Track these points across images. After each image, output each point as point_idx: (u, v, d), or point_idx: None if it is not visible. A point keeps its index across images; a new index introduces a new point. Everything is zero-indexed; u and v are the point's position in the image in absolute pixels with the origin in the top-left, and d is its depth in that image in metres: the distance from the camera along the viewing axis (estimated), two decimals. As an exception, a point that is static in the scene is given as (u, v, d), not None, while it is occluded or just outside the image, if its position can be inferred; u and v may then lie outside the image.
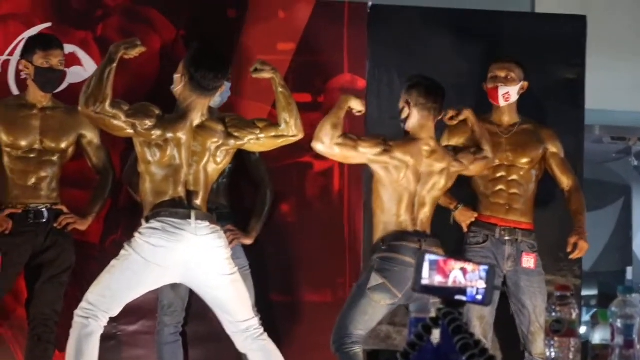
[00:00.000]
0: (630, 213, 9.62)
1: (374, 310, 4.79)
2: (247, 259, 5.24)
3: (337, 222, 5.63)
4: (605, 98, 6.33)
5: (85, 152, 5.22)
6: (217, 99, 5.04)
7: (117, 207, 5.47)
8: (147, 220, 4.66)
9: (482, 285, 2.51)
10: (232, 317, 4.76)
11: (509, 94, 5.28)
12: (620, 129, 7.58)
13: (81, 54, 5.55)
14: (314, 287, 5.61)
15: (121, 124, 4.66)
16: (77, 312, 4.63)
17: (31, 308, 5.06)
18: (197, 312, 5.28)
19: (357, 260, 5.52)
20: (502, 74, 5.29)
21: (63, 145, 5.13)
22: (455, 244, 5.22)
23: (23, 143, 5.07)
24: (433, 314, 2.55)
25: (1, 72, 5.47)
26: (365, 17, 5.67)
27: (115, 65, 4.65)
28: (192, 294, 5.08)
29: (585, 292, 8.49)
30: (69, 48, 5.37)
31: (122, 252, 4.66)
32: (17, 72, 5.40)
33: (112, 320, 4.70)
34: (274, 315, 5.42)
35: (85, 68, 5.53)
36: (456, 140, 5.25)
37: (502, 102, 5.30)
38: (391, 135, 4.94)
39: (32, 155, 5.08)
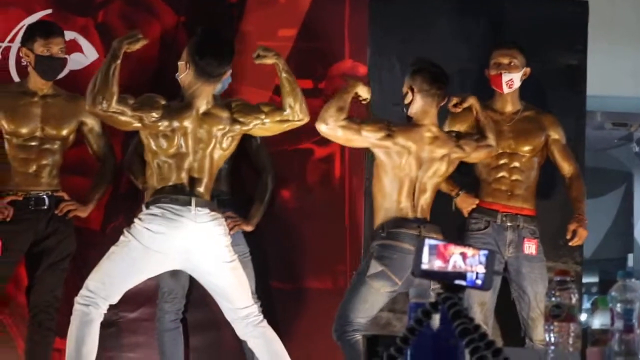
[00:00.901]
0: (632, 200, 9.59)
1: (374, 298, 4.79)
2: (248, 246, 5.24)
3: (338, 208, 5.62)
4: (606, 84, 6.30)
5: (86, 140, 5.22)
6: (218, 86, 5.03)
7: (118, 194, 5.47)
8: (147, 206, 4.66)
9: (481, 269, 2.50)
10: (232, 304, 4.76)
11: (512, 80, 5.24)
12: (622, 115, 7.54)
13: (82, 41, 5.55)
14: (314, 274, 5.61)
15: (128, 119, 4.65)
16: (78, 299, 4.63)
17: (32, 295, 5.07)
18: (197, 299, 5.28)
19: (357, 247, 5.51)
20: (506, 61, 5.24)
21: (64, 132, 5.12)
22: (456, 231, 5.21)
23: (24, 130, 5.06)
24: (432, 299, 2.54)
25: (2, 59, 5.47)
26: (366, 2, 5.65)
27: (119, 62, 4.63)
28: (192, 281, 5.08)
29: (586, 279, 8.49)
30: (69, 35, 5.36)
31: (122, 238, 4.66)
32: (18, 59, 5.39)
33: (112, 307, 4.70)
34: (274, 302, 5.43)
35: (86, 55, 5.53)
36: (458, 127, 5.21)
37: (505, 89, 5.26)
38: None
39: (33, 143, 5.07)
